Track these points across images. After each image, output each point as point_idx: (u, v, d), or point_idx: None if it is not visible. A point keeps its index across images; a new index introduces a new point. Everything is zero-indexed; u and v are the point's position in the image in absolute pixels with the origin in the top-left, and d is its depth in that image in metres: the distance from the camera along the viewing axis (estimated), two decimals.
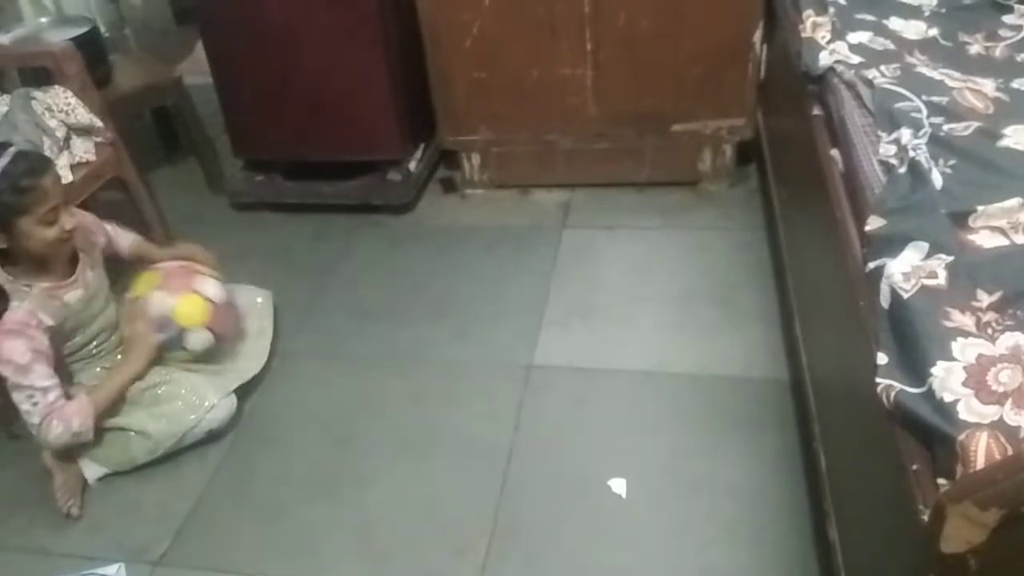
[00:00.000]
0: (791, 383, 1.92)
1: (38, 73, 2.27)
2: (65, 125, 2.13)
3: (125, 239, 2.09)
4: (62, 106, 2.13)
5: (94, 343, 1.90)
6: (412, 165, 2.76)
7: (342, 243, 2.65)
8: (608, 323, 2.19)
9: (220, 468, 1.90)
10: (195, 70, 3.10)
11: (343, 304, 2.38)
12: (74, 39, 2.39)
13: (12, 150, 1.66)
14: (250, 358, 2.11)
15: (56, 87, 2.16)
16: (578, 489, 1.75)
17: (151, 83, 2.80)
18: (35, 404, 1.70)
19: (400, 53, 2.55)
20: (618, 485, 1.74)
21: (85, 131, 2.17)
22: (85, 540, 1.77)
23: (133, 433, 1.87)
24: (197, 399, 1.90)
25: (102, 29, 3.10)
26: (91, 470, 1.89)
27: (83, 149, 2.17)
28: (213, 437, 1.95)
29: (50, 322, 1.74)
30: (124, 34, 3.59)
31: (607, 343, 2.12)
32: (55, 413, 1.72)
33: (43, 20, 2.98)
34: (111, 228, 2.05)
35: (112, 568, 1.66)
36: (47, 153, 2.06)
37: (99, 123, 2.19)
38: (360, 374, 2.12)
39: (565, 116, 2.59)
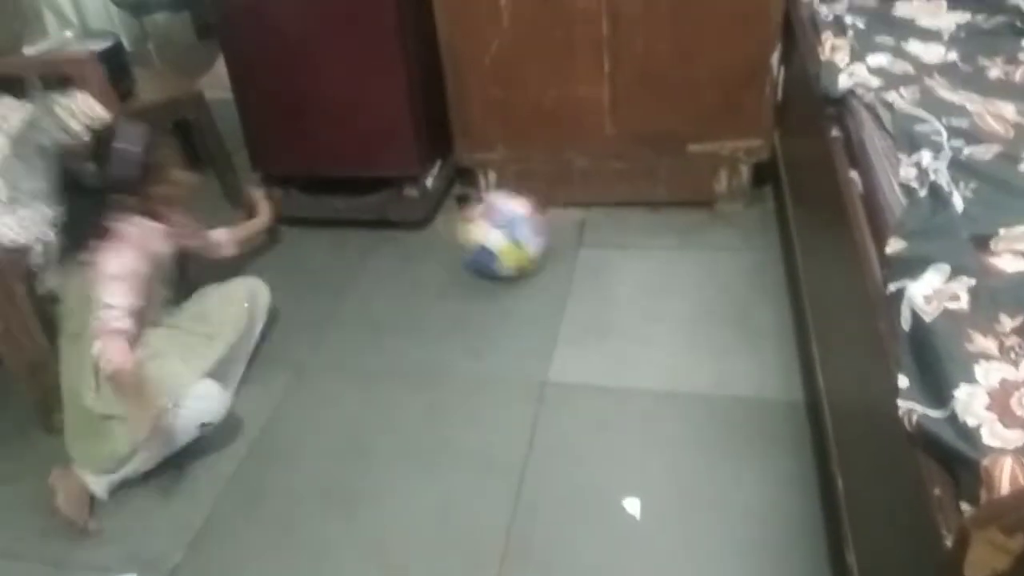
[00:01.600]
0: (807, 404, 1.91)
1: (61, 83, 2.30)
2: (88, 129, 2.15)
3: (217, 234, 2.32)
4: (84, 110, 2.17)
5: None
6: (428, 182, 2.78)
7: (358, 258, 2.66)
8: (623, 342, 2.18)
9: (233, 481, 1.90)
10: (216, 85, 3.14)
11: (358, 319, 2.39)
12: (98, 53, 2.43)
13: (135, 128, 1.93)
14: (222, 337, 2.07)
15: (77, 93, 2.20)
16: (592, 507, 1.74)
17: (172, 97, 2.83)
18: (97, 319, 1.78)
19: (418, 71, 2.57)
20: (632, 505, 1.73)
21: None
22: (98, 552, 1.77)
23: (114, 421, 1.82)
24: (172, 382, 1.85)
25: (125, 44, 3.14)
26: (99, 485, 1.88)
27: None
28: (214, 440, 1.94)
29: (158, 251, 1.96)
30: (147, 49, 3.64)
31: (622, 362, 2.12)
32: (106, 336, 1.76)
33: (68, 34, 3.04)
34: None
35: None
36: None
37: None
38: (374, 389, 2.12)
39: (582, 135, 2.60)
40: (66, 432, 1.91)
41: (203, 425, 1.88)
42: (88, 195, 1.89)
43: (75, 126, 2.14)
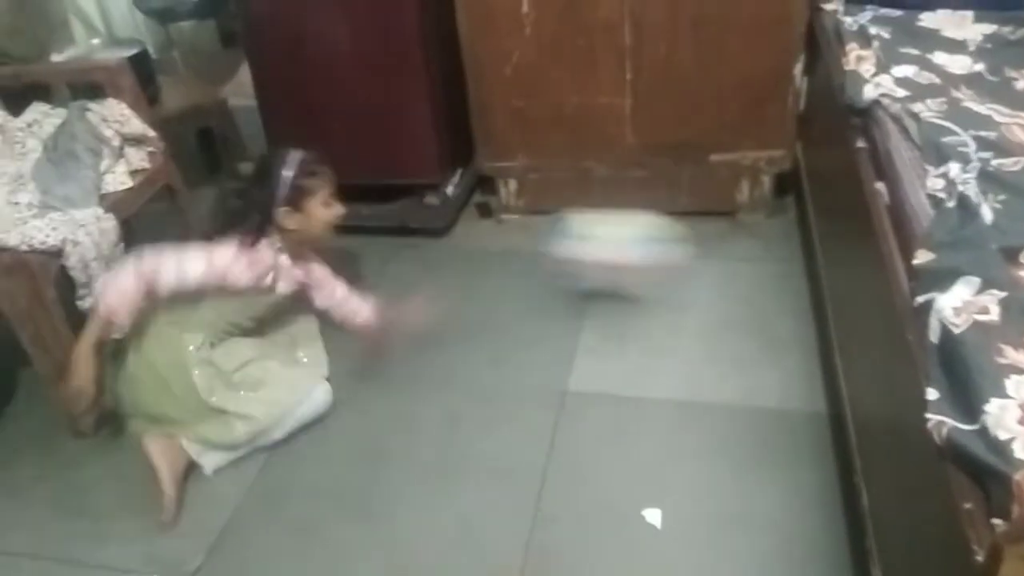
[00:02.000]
0: (829, 416, 1.90)
1: (88, 90, 2.34)
2: (120, 135, 2.19)
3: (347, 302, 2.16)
4: (117, 117, 2.19)
5: (234, 326, 2.01)
6: (449, 189, 2.79)
7: (378, 265, 2.67)
8: (644, 352, 2.18)
9: (254, 485, 1.91)
10: (239, 92, 3.17)
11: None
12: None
13: (297, 153, 1.96)
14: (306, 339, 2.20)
15: (110, 99, 2.22)
16: (611, 518, 1.74)
17: (197, 104, 2.87)
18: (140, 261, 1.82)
19: (440, 79, 2.58)
20: (652, 515, 1.72)
21: (138, 141, 2.23)
22: (120, 553, 1.78)
23: (235, 416, 1.91)
24: (296, 383, 2.01)
25: (151, 51, 3.19)
26: (209, 460, 1.93)
27: (137, 158, 2.24)
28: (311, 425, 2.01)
29: (260, 285, 1.93)
30: (172, 56, 3.67)
31: (642, 371, 2.11)
32: (123, 274, 1.80)
33: (95, 42, 3.08)
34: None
35: None
36: (105, 161, 2.14)
37: (151, 133, 2.26)
38: (394, 396, 2.13)
39: (603, 144, 2.60)
40: (162, 406, 1.93)
41: (313, 417, 2.02)
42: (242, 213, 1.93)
43: (107, 132, 2.17)
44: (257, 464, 1.96)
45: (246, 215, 1.92)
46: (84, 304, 2.00)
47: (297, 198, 1.94)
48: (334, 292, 2.14)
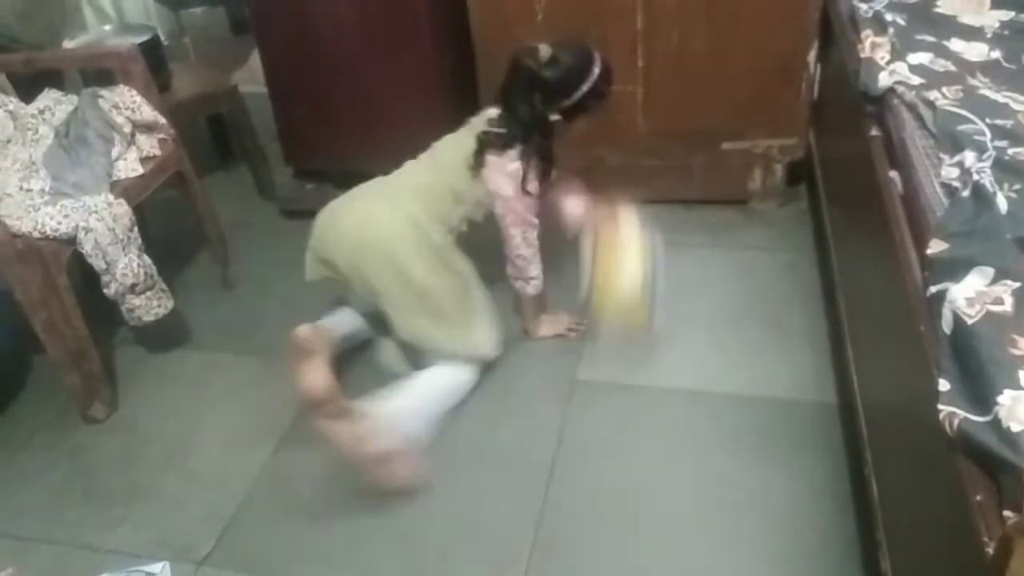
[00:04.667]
0: (840, 406, 1.89)
1: (99, 76, 2.34)
2: (131, 122, 2.19)
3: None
4: (128, 104, 2.19)
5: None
6: None
7: None
8: (653, 340, 2.17)
9: (265, 471, 1.92)
10: (250, 79, 3.17)
11: None
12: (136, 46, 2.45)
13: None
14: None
15: (121, 86, 2.22)
16: (620, 505, 1.74)
17: (208, 91, 2.86)
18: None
19: (451, 65, 2.57)
20: None
21: (149, 128, 2.23)
22: (131, 537, 1.79)
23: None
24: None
25: (162, 37, 3.18)
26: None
27: (148, 145, 2.24)
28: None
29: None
30: (183, 43, 3.68)
31: (652, 360, 2.10)
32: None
33: (106, 28, 3.07)
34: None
35: (157, 566, 1.68)
36: (117, 148, 2.14)
37: (162, 120, 2.25)
38: None
39: (614, 132, 2.58)
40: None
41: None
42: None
43: (118, 119, 2.17)
44: (268, 449, 1.97)
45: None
46: (109, 291, 2.01)
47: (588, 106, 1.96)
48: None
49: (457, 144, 2.04)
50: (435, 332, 1.96)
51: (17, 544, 1.81)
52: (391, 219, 1.93)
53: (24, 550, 1.78)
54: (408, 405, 1.87)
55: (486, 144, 1.96)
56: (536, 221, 2.02)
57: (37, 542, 1.81)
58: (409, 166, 2.08)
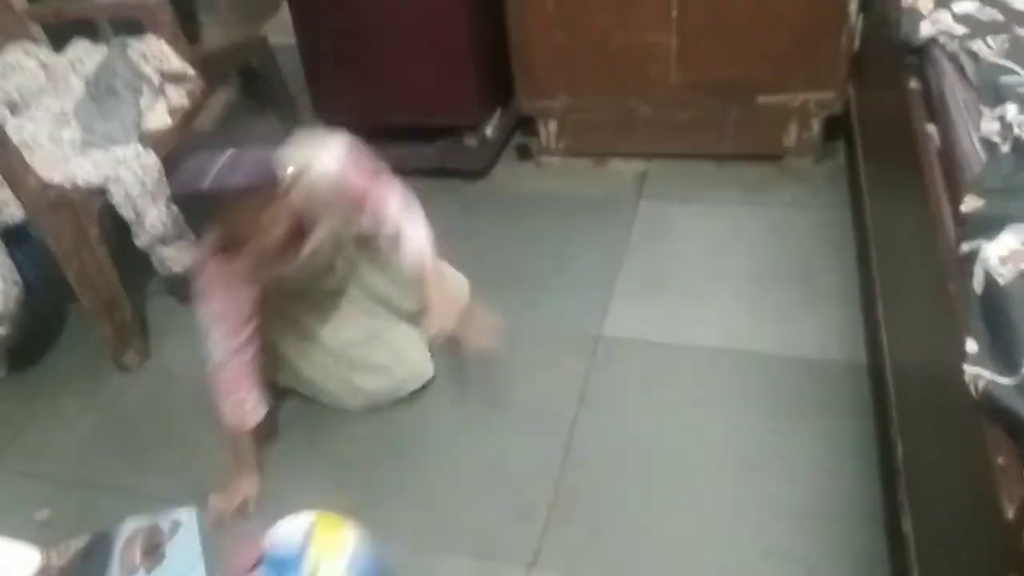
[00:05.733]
0: (869, 367, 1.85)
1: (130, 26, 2.34)
2: (159, 72, 2.19)
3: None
4: (156, 54, 2.20)
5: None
6: (488, 131, 2.75)
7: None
8: (681, 298, 2.15)
9: (289, 423, 1.95)
10: (280, 30, 3.14)
11: None
12: None
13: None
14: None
15: (150, 36, 2.23)
16: (641, 463, 1.74)
17: (237, 43, 2.86)
18: None
19: (481, 16, 2.52)
20: None
21: (177, 79, 2.24)
22: (162, 483, 1.84)
23: (347, 385, 1.92)
24: (406, 356, 1.95)
25: None
26: None
27: (177, 95, 2.24)
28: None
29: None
30: None
31: (679, 318, 2.08)
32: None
33: None
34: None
35: (185, 512, 1.72)
36: (145, 98, 2.13)
37: (191, 71, 2.26)
38: None
39: (646, 83, 2.53)
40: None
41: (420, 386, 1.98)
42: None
43: (146, 69, 2.17)
44: (293, 402, 1.99)
45: None
46: (139, 242, 2.03)
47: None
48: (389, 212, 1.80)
49: None
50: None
51: (56, 487, 1.87)
52: None
53: (60, 492, 1.84)
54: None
55: None
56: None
57: (72, 485, 1.87)
58: None
